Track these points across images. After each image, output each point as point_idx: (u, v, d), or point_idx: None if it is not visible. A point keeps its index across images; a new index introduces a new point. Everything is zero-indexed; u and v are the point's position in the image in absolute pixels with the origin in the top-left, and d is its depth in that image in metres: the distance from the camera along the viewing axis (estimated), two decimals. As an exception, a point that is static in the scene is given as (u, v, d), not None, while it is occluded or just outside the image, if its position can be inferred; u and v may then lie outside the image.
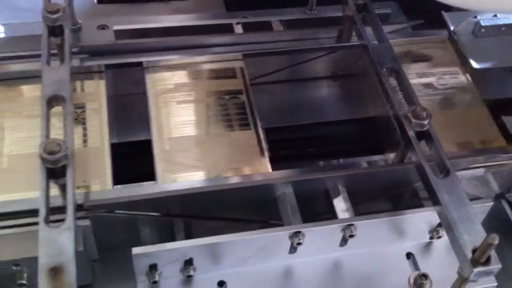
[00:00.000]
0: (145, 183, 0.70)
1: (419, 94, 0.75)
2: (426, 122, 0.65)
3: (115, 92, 0.80)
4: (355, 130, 0.87)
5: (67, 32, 0.69)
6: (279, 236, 0.64)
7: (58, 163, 0.57)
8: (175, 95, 0.79)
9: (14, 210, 0.62)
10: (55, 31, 0.70)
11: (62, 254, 0.52)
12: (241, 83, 0.81)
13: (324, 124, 0.88)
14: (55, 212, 0.57)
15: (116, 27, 0.83)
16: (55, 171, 0.58)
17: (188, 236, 0.69)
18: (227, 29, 0.91)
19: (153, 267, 0.63)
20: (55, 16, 0.69)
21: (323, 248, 0.68)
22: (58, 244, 0.52)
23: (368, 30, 0.78)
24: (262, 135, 0.75)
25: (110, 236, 0.67)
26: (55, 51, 0.70)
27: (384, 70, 0.72)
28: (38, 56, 0.75)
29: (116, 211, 0.66)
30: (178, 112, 0.77)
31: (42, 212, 0.54)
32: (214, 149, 0.73)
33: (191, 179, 0.70)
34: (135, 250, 0.60)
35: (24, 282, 0.60)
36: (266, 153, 0.73)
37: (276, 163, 0.73)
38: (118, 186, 0.69)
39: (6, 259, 0.59)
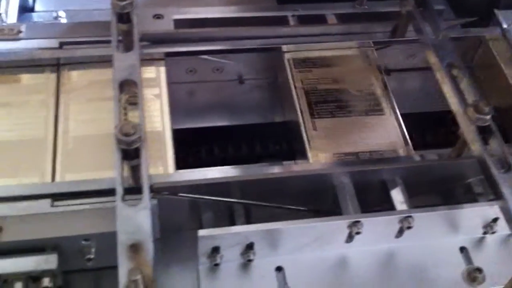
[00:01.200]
0: (214, 168, 0.72)
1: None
2: (488, 117, 0.66)
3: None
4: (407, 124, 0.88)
5: (135, 19, 0.71)
6: (338, 225, 0.66)
7: (132, 145, 0.59)
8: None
9: (84, 190, 0.64)
10: (122, 18, 0.72)
11: (140, 232, 0.54)
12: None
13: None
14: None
15: (176, 17, 0.85)
16: (128, 152, 0.59)
17: (248, 222, 0.71)
18: (279, 21, 0.93)
19: (215, 250, 0.64)
20: (123, 3, 0.71)
21: (379, 239, 0.69)
22: (135, 222, 0.54)
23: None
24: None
25: (173, 217, 0.69)
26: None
27: (445, 65, 0.73)
28: (99, 42, 0.78)
29: (180, 194, 0.67)
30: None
31: (119, 192, 0.56)
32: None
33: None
34: (201, 232, 0.62)
35: (91, 256, 0.62)
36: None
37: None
38: (181, 170, 0.71)
39: (77, 234, 0.61)
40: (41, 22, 0.86)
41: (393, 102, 0.79)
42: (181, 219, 0.70)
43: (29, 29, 0.78)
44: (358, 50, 0.86)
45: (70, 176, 0.67)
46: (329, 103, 0.79)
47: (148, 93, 0.77)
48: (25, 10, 0.89)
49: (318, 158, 0.73)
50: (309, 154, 0.74)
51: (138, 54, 0.67)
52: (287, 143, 0.84)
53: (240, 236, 0.64)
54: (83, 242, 0.61)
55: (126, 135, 0.59)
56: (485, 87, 0.86)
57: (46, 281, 0.59)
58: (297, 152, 0.80)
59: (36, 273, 0.59)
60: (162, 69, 0.80)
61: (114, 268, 0.62)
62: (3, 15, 0.81)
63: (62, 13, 0.88)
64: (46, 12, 0.91)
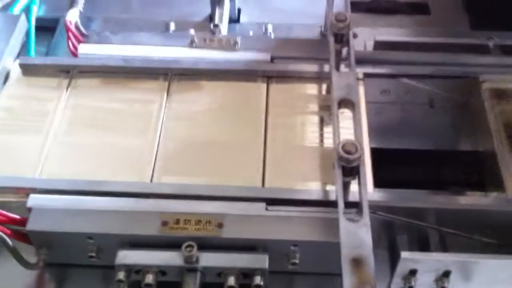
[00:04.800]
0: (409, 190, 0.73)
1: None
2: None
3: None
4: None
5: (351, 39, 0.74)
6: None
7: (352, 163, 0.62)
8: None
9: (295, 198, 0.68)
10: (337, 38, 0.75)
11: (362, 247, 0.56)
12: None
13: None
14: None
15: (378, 38, 0.87)
16: (346, 169, 0.63)
17: (443, 250, 0.71)
18: (475, 48, 0.92)
19: (412, 273, 0.66)
20: (341, 25, 0.74)
21: None
22: (357, 237, 0.57)
23: None
24: None
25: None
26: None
27: None
28: (305, 58, 0.82)
29: (379, 212, 0.69)
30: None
31: (341, 206, 0.60)
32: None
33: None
34: (404, 254, 0.64)
35: (296, 261, 0.66)
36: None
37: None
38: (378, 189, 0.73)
39: (288, 239, 0.65)
40: (254, 35, 0.92)
41: None
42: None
43: (243, 42, 0.84)
44: None
45: (279, 182, 0.71)
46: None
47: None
48: (231, 21, 0.96)
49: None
50: (508, 187, 0.73)
51: (356, 74, 0.70)
52: (476, 172, 0.84)
53: (440, 263, 0.65)
54: (292, 247, 0.65)
55: (348, 153, 0.62)
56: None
57: (258, 279, 0.63)
58: (489, 183, 0.80)
59: (247, 270, 0.64)
60: (361, 88, 0.81)
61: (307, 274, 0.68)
62: (221, 27, 0.88)
63: (270, 27, 0.93)
64: (250, 24, 0.98)
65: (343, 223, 0.58)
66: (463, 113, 0.89)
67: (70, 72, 0.81)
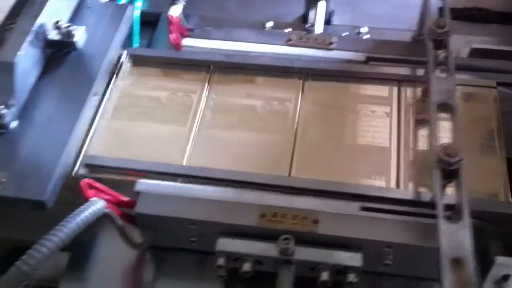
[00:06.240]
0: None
1: None
2: None
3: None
4: None
5: (451, 45, 0.75)
6: None
7: (452, 166, 0.63)
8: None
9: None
10: (436, 43, 0.76)
11: (462, 248, 0.57)
12: None
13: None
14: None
15: (474, 45, 0.87)
16: (445, 172, 0.63)
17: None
18: None
19: (505, 278, 0.66)
20: (441, 31, 0.75)
21: None
22: (457, 239, 0.58)
23: None
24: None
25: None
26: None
27: None
28: (398, 60, 0.83)
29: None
30: None
31: (440, 208, 0.61)
32: None
33: None
34: (500, 259, 0.64)
35: (389, 262, 0.67)
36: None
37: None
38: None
39: (382, 240, 0.66)
40: (349, 35, 0.93)
41: None
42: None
43: (339, 41, 0.86)
44: None
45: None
46: None
47: (379, 110, 0.80)
48: (324, 23, 0.98)
49: None
50: None
51: (455, 79, 0.71)
52: None
53: (537, 270, 0.65)
54: (386, 249, 0.67)
55: (449, 155, 0.63)
56: None
57: (351, 277, 0.65)
58: None
59: (341, 267, 0.66)
60: (395, 89, 0.82)
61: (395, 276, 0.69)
62: (316, 27, 0.90)
63: (364, 29, 0.95)
64: (342, 26, 0.99)
65: (443, 225, 0.59)
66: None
67: (210, 67, 0.85)
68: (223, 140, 0.78)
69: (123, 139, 0.78)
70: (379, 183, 0.72)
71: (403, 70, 0.82)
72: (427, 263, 0.66)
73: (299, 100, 0.81)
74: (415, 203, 0.69)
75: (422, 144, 0.75)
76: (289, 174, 0.74)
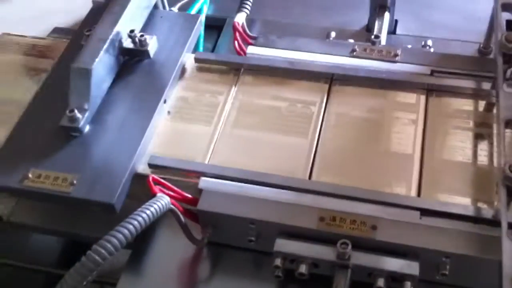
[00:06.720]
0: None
1: None
2: None
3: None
4: None
5: (521, 60, 0.74)
6: None
7: (518, 182, 0.62)
8: None
9: (449, 211, 0.69)
10: (505, 58, 0.75)
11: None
12: None
13: None
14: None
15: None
16: (510, 189, 0.63)
17: None
18: None
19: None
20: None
21: None
22: (519, 257, 0.57)
23: None
24: None
25: None
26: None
27: None
28: (464, 74, 0.83)
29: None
30: None
31: (504, 226, 0.60)
32: None
33: None
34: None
35: (446, 272, 0.67)
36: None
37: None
38: None
39: (440, 249, 0.66)
40: (414, 48, 0.93)
41: None
42: None
43: (404, 53, 0.86)
44: None
45: (434, 194, 0.72)
46: None
47: (405, 117, 0.80)
48: (388, 32, 0.98)
49: None
50: None
51: (525, 95, 0.70)
52: None
53: None
54: (443, 259, 0.66)
55: (517, 172, 0.62)
56: None
57: (408, 285, 0.65)
58: None
59: (398, 275, 0.66)
60: (423, 97, 0.82)
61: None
62: (382, 39, 0.91)
63: (430, 42, 0.95)
64: (407, 36, 0.99)
65: (507, 243, 0.59)
66: None
67: (240, 70, 0.87)
68: (244, 140, 0.79)
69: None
70: (400, 190, 0.73)
71: (465, 83, 0.82)
72: (485, 275, 0.66)
73: (324, 104, 0.83)
74: (476, 219, 0.69)
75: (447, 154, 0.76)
76: (309, 177, 0.75)
